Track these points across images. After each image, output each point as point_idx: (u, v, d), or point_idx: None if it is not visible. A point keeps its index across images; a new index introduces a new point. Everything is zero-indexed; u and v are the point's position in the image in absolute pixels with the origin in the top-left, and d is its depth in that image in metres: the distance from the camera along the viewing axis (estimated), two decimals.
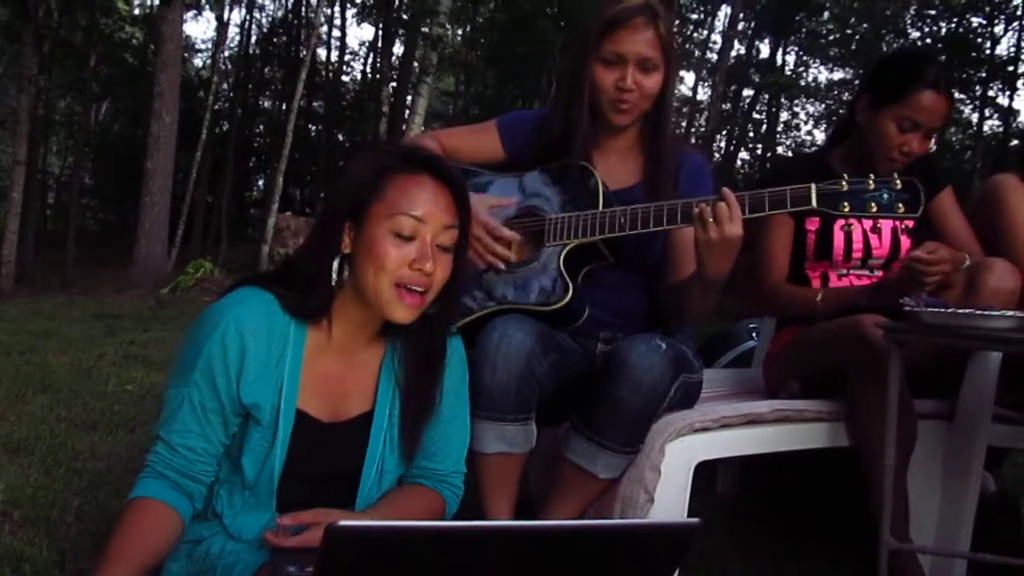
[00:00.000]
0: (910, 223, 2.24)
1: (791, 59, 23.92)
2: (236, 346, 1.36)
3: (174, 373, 1.40)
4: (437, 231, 1.38)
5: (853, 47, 19.71)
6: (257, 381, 1.37)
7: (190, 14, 20.30)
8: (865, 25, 18.26)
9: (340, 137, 24.60)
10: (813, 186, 1.67)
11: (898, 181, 1.65)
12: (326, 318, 1.43)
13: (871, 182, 1.66)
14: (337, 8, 22.18)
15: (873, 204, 1.65)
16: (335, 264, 1.40)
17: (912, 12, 18.24)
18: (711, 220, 1.66)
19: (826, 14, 18.95)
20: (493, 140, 2.08)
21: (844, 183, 1.66)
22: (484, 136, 2.09)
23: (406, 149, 1.44)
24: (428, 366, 1.49)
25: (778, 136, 24.84)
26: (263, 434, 1.39)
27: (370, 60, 25.02)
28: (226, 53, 22.53)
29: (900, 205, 1.65)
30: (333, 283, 1.40)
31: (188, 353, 1.38)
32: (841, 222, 2.23)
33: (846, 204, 1.66)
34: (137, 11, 19.10)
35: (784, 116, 25.16)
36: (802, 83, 23.10)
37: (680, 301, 1.90)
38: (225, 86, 23.51)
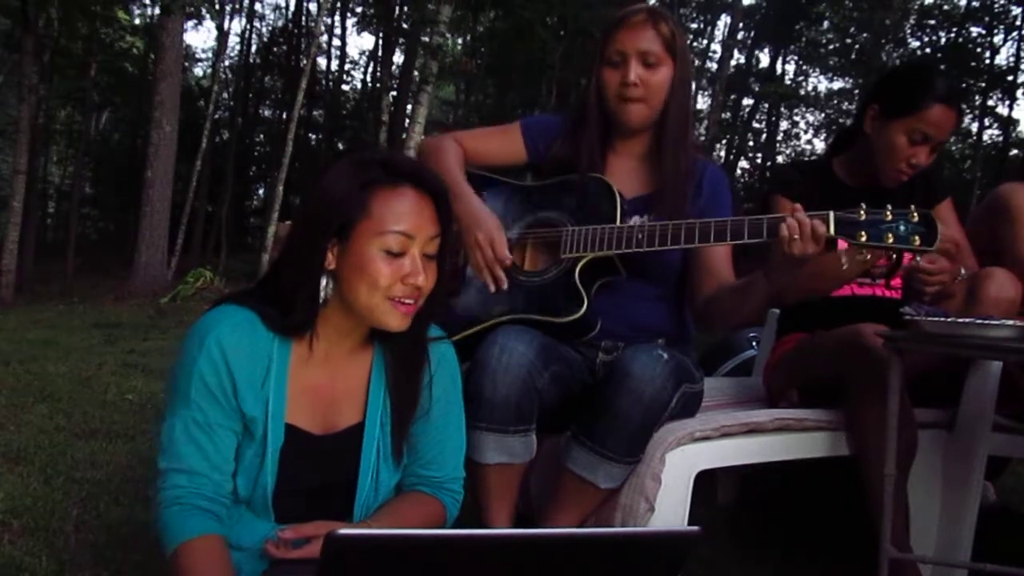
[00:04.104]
0: None
1: (791, 68, 24.06)
2: (223, 362, 1.35)
3: (171, 402, 1.37)
4: (424, 243, 1.37)
5: (853, 57, 19.80)
6: (246, 398, 1.37)
7: (190, 24, 20.35)
8: (865, 35, 18.35)
9: (340, 146, 24.58)
10: (831, 213, 1.66)
11: (915, 213, 1.63)
12: (310, 332, 1.42)
13: (888, 213, 1.64)
14: (337, 17, 22.28)
15: (890, 235, 1.63)
16: (322, 281, 1.38)
17: (912, 22, 18.33)
18: (797, 238, 1.64)
19: (826, 23, 19.05)
20: (516, 143, 2.07)
21: (862, 212, 1.65)
22: (507, 138, 2.08)
23: (386, 158, 1.40)
24: (411, 363, 1.48)
25: (778, 145, 24.90)
26: (254, 450, 1.38)
27: (370, 69, 25.12)
28: (226, 62, 22.59)
29: (916, 238, 1.63)
30: (320, 300, 1.39)
31: (180, 379, 1.36)
32: None
33: (863, 234, 1.64)
34: (137, 21, 19.13)
35: (784, 125, 25.27)
36: (802, 92, 23.18)
37: (738, 306, 1.87)
38: (225, 95, 23.54)
